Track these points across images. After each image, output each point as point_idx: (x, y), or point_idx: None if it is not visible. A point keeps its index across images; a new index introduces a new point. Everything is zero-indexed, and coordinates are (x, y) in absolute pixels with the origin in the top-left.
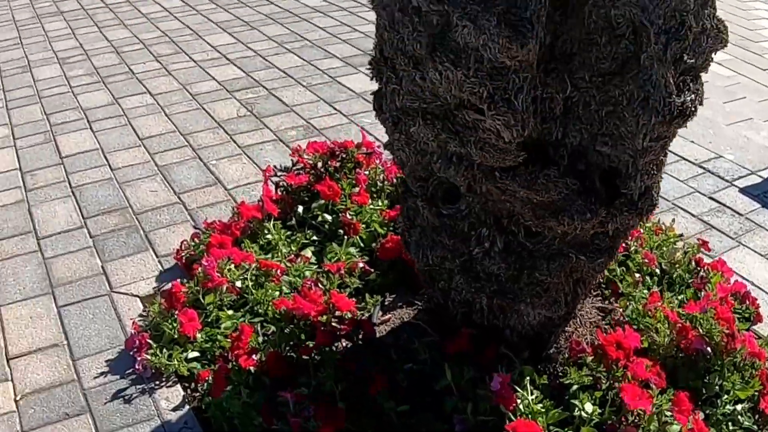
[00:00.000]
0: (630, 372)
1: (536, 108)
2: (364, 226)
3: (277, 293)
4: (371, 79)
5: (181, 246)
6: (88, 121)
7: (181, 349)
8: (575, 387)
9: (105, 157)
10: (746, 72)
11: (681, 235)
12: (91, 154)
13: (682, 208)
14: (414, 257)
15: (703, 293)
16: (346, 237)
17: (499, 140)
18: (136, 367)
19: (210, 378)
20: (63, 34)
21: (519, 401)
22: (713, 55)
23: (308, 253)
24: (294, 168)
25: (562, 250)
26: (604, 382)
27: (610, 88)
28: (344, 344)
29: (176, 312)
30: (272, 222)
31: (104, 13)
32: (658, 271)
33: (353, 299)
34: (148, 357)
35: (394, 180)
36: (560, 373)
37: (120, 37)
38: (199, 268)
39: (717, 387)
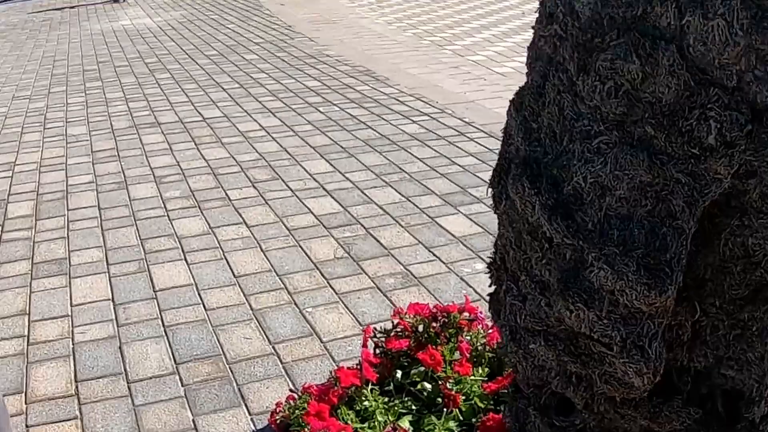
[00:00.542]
0: None
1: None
2: (464, 398)
3: None
4: (489, 284)
5: (276, 408)
6: (182, 250)
7: None
8: None
9: (199, 295)
10: None
11: None
12: (185, 290)
13: None
14: None
15: None
16: (445, 409)
17: (628, 385)
18: None
19: None
20: (160, 149)
21: None
22: None
23: (406, 423)
24: (394, 330)
25: None
26: None
27: (741, 313)
28: None
29: None
30: (370, 387)
31: (201, 128)
32: None
33: None
34: None
35: (495, 347)
36: None
37: (217, 156)
38: None
39: None
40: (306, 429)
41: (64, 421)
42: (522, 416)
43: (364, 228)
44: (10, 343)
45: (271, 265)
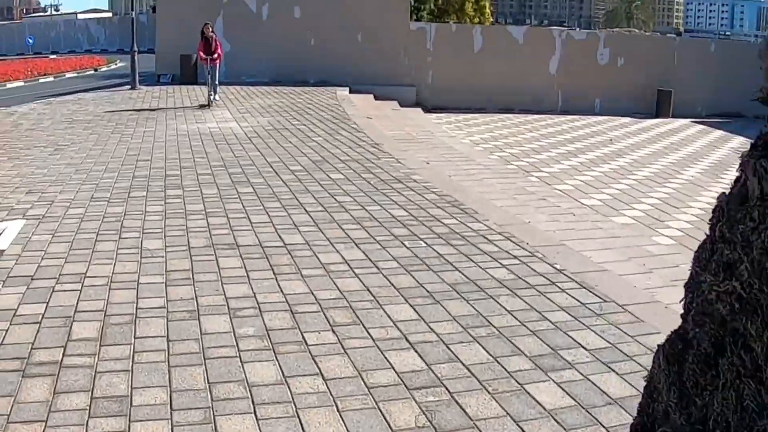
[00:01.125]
0: None
1: None
2: None
3: None
4: None
5: None
6: (253, 401)
7: None
8: None
9: None
10: None
11: None
12: None
13: None
14: None
15: None
16: None
17: None
18: None
19: None
20: (237, 276)
21: None
22: None
23: None
24: None
25: None
26: None
27: None
28: None
29: None
30: None
31: (281, 255)
32: None
33: None
34: None
35: None
36: None
37: (296, 291)
38: None
39: None
40: None
41: None
42: None
43: (449, 392)
44: None
45: (347, 429)
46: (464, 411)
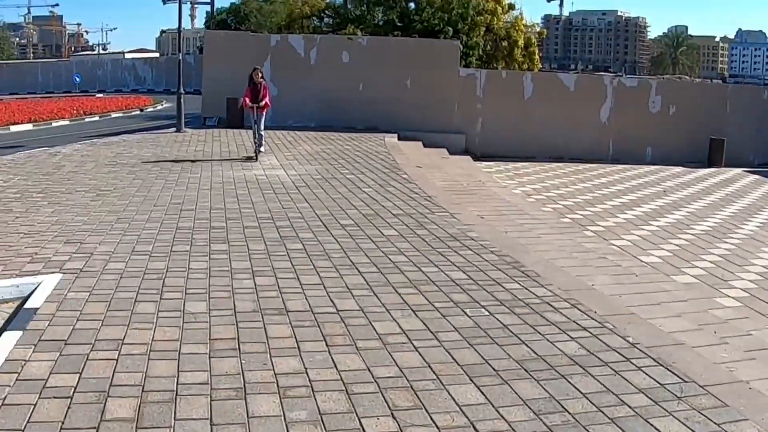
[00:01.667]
0: None
1: None
2: None
3: None
4: None
5: None
6: None
7: None
8: None
9: None
10: None
11: None
12: None
13: None
14: None
15: None
16: None
17: None
18: None
19: None
20: (286, 347)
21: None
22: None
23: None
24: None
25: None
26: None
27: None
28: None
29: None
30: None
31: (334, 323)
32: None
33: None
34: None
35: None
36: None
37: (351, 366)
38: None
39: None
40: None
41: None
42: None
43: None
44: None
45: None
46: None
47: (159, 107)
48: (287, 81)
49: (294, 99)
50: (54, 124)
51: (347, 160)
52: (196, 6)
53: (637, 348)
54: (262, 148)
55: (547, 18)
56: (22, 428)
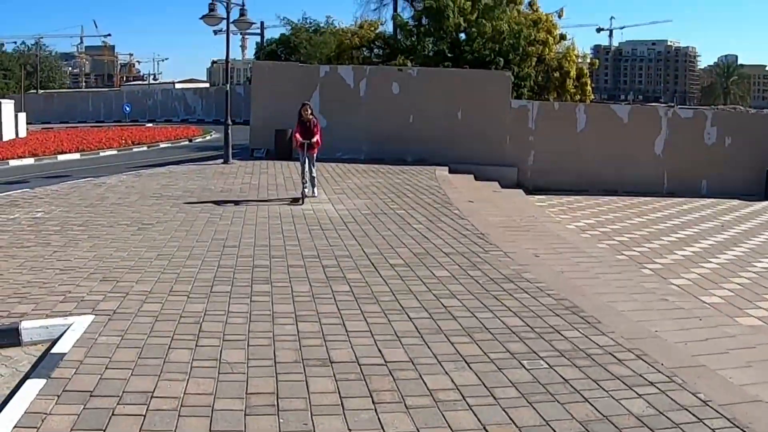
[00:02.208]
0: None
1: None
2: None
3: None
4: None
5: None
6: None
7: None
8: None
9: None
10: None
11: None
12: None
13: None
14: None
15: None
16: None
17: None
18: None
19: None
20: (329, 405)
21: None
22: None
23: None
24: None
25: None
26: None
27: None
28: None
29: None
30: None
31: (382, 377)
32: None
33: None
34: None
35: None
36: None
37: (399, 428)
38: None
39: None
40: None
41: None
42: None
43: None
44: None
45: None
46: None
47: (208, 137)
48: (336, 112)
49: (343, 131)
50: (102, 154)
51: (397, 194)
52: (246, 37)
53: (710, 406)
54: (314, 191)
55: (596, 48)
56: None
